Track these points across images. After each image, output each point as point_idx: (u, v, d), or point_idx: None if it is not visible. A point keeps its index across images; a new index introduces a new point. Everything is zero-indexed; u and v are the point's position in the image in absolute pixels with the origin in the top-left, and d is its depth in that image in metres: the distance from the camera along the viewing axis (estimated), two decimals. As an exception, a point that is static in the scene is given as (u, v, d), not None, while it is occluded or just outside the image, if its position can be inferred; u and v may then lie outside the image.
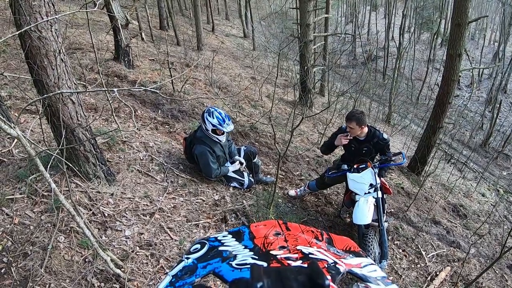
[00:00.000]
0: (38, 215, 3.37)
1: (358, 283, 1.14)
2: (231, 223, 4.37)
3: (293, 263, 1.12)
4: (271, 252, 1.26)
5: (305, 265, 1.07)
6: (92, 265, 3.08)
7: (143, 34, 12.13)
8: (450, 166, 11.95)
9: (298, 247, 1.29)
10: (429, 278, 5.27)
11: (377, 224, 4.50)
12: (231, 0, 28.85)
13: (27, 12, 2.92)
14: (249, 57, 14.95)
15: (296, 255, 1.20)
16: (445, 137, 15.13)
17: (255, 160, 5.40)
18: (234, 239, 1.45)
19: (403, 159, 4.83)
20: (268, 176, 5.82)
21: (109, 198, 3.92)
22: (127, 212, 3.87)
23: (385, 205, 5.01)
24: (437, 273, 5.48)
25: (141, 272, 3.24)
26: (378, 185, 4.51)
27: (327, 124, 8.21)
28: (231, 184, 5.15)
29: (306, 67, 9.79)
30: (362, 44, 31.76)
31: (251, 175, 5.37)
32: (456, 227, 7.25)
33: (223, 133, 4.80)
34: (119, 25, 7.82)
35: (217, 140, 4.80)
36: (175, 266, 1.28)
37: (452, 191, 8.89)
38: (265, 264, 1.13)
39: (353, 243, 1.55)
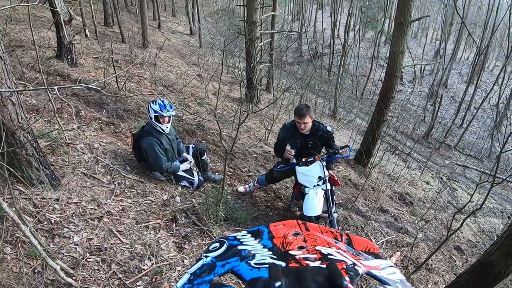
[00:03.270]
0: (-20, 226, 3.24)
1: (377, 285, 1.17)
2: (181, 222, 4.35)
3: (312, 264, 1.11)
4: (289, 252, 1.25)
5: (324, 266, 1.07)
6: (42, 276, 2.98)
7: (87, 30, 11.71)
8: (395, 157, 12.42)
9: (317, 248, 1.29)
10: (381, 263, 5.47)
11: (327, 215, 4.63)
12: (177, -4, 28.45)
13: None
14: (195, 55, 14.84)
15: (314, 256, 1.20)
16: (389, 130, 15.67)
17: (203, 158, 5.42)
18: (253, 238, 1.45)
19: (350, 151, 4.99)
20: (217, 173, 5.86)
21: (54, 204, 3.80)
22: (74, 218, 3.77)
23: (334, 196, 5.13)
24: (388, 258, 5.70)
25: (93, 279, 3.18)
26: (327, 178, 4.64)
27: (273, 120, 8.33)
28: (181, 183, 5.14)
29: (252, 64, 9.86)
30: (308, 42, 32.28)
31: (200, 174, 5.39)
32: (403, 214, 7.58)
33: (166, 122, 4.82)
34: (62, 20, 7.54)
35: (161, 130, 4.82)
36: (194, 264, 1.29)
37: (397, 181, 9.26)
38: (283, 264, 1.12)
39: (372, 244, 1.55)
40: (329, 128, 4.82)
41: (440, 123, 22.65)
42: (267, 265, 1.11)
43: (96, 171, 4.72)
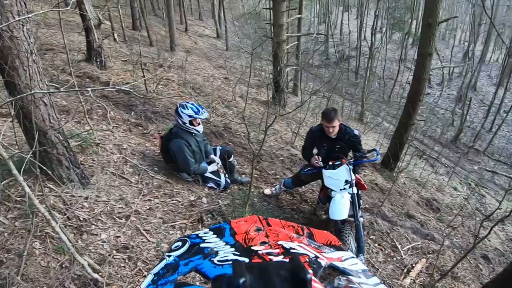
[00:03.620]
0: (12, 222, 3.30)
1: (340, 277, 1.15)
2: (207, 223, 4.37)
3: (275, 258, 1.12)
4: (252, 248, 1.25)
5: (287, 260, 1.04)
6: (69, 271, 3.03)
7: (115, 34, 11.98)
8: (422, 162, 12.20)
9: (279, 242, 1.29)
10: (405, 270, 5.37)
11: (353, 219, 4.55)
12: (204, 0, 28.71)
13: (-1, 11, 2.86)
14: (222, 58, 14.96)
15: (277, 250, 1.20)
16: (417, 134, 15.42)
17: (230, 160, 5.43)
18: (215, 235, 1.43)
19: (377, 155, 4.91)
20: (243, 175, 5.86)
21: (83, 202, 3.87)
22: (102, 216, 3.83)
23: (360, 201, 5.05)
24: (413, 265, 5.60)
25: (119, 275, 3.21)
26: (353, 181, 4.57)
27: (300, 123, 8.29)
28: (208, 185, 5.16)
29: (279, 67, 9.85)
30: (335, 44, 32.07)
31: (227, 176, 5.40)
32: (430, 220, 7.42)
33: (199, 124, 4.88)
34: (92, 25, 7.71)
35: (195, 131, 4.88)
36: (157, 264, 1.27)
37: (425, 186, 9.10)
38: (247, 260, 1.12)
39: (333, 237, 1.53)
40: (356, 132, 4.76)
41: (469, 127, 22.08)
42: (230, 262, 1.11)
43: (124, 171, 4.79)
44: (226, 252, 1.23)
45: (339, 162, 4.61)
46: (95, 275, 2.96)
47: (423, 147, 13.33)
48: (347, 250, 1.42)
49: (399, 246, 5.78)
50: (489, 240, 8.56)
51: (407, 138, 8.32)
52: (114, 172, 4.64)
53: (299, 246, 1.28)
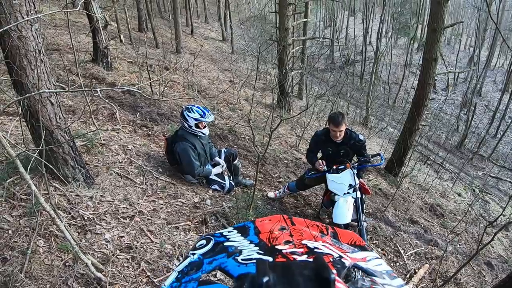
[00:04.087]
0: (16, 219, 3.32)
1: (364, 277, 1.16)
2: (211, 225, 4.38)
3: (299, 258, 1.10)
4: (276, 247, 1.24)
5: (311, 260, 1.06)
6: (73, 269, 3.04)
7: (121, 36, 12.03)
8: (426, 167, 12.20)
9: (303, 242, 1.28)
10: (408, 276, 5.36)
11: (356, 224, 4.55)
12: (210, 3, 28.79)
13: (8, 11, 2.88)
14: (227, 60, 14.99)
15: (301, 250, 1.19)
16: (421, 139, 15.40)
17: (235, 162, 5.44)
18: (240, 234, 1.43)
19: (381, 160, 4.91)
20: (247, 178, 5.86)
21: (88, 201, 3.88)
22: (106, 215, 3.84)
23: (364, 205, 5.07)
24: (416, 270, 5.58)
25: (122, 275, 3.22)
26: (357, 186, 4.57)
27: (305, 127, 8.30)
28: (212, 187, 5.17)
29: (284, 71, 9.88)
30: (340, 48, 32.16)
31: (231, 178, 5.40)
32: (434, 226, 7.40)
33: (205, 126, 4.89)
34: (99, 26, 7.76)
35: (201, 134, 4.88)
36: (181, 262, 1.27)
37: (428, 191, 9.07)
38: (270, 259, 1.10)
39: (358, 237, 1.53)
40: (361, 137, 4.76)
41: (474, 133, 22.13)
42: (254, 261, 1.10)
43: (129, 171, 4.80)
44: (250, 251, 1.22)
45: (343, 166, 4.61)
46: (98, 274, 2.97)
47: (427, 153, 13.31)
48: (372, 250, 1.41)
49: (402, 252, 5.77)
50: (493, 247, 8.52)
51: (412, 143, 8.32)
52: (119, 173, 4.65)
53: (323, 245, 1.28)
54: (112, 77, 7.99)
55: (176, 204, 4.54)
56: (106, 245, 3.50)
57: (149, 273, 3.34)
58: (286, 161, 6.87)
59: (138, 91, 2.74)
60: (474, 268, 6.75)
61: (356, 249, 1.38)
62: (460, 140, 20.32)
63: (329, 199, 4.84)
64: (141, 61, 9.48)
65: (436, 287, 5.42)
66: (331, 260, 1.13)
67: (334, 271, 0.95)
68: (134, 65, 9.47)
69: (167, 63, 10.66)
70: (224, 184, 5.21)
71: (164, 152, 5.32)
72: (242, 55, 16.95)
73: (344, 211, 4.39)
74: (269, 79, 13.79)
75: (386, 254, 5.58)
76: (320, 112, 10.95)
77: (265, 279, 0.81)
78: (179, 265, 1.25)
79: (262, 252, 1.19)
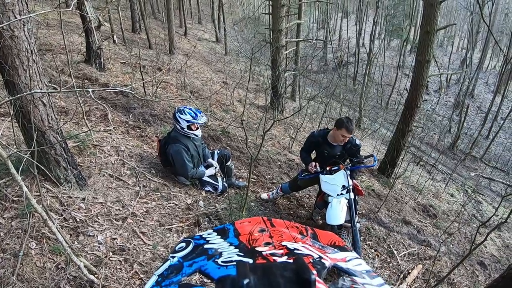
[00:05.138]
0: (8, 221, 3.28)
1: (344, 277, 1.14)
2: (204, 226, 4.36)
3: (279, 259, 1.12)
4: (256, 248, 1.25)
5: (291, 261, 1.07)
6: (65, 272, 3.02)
7: (115, 36, 11.98)
8: (419, 168, 12.28)
9: (283, 243, 1.29)
10: (401, 276, 5.39)
11: (349, 225, 4.55)
12: (204, 4, 28.76)
13: (0, 10, 2.86)
14: (221, 62, 14.98)
15: (281, 251, 1.20)
16: (414, 140, 15.51)
17: (228, 164, 5.43)
18: (219, 236, 1.44)
19: (374, 161, 4.93)
20: (240, 180, 5.85)
21: (80, 203, 3.85)
22: (99, 217, 3.82)
23: (357, 206, 5.09)
24: (409, 271, 5.62)
25: (115, 278, 3.19)
26: (350, 187, 4.58)
27: (298, 128, 8.30)
28: (205, 188, 5.16)
29: (277, 72, 9.88)
30: (333, 50, 32.24)
31: (224, 179, 5.40)
32: (426, 226, 7.45)
33: (197, 128, 4.88)
34: (92, 27, 7.71)
35: (194, 136, 4.86)
36: (161, 266, 1.27)
37: (421, 192, 9.14)
38: (251, 261, 1.12)
39: (337, 237, 1.55)
40: (358, 142, 4.78)
41: (466, 134, 22.37)
42: (234, 263, 1.12)
43: (122, 172, 4.77)
44: (230, 253, 1.23)
45: (336, 168, 4.62)
46: (91, 277, 2.94)
47: (420, 154, 13.40)
48: (351, 251, 1.43)
49: (395, 252, 5.81)
50: (485, 247, 8.59)
51: (404, 144, 8.37)
52: (112, 174, 4.63)
53: (303, 246, 1.29)
54: (105, 78, 7.95)
55: (169, 206, 4.52)
56: (99, 247, 3.47)
57: (142, 275, 3.33)
58: (279, 163, 6.88)
59: (131, 91, 2.72)
60: (467, 268, 6.80)
61: (335, 250, 1.40)
62: (452, 141, 20.49)
63: (323, 200, 4.84)
64: (134, 62, 9.44)
65: (430, 287, 5.45)
66: (311, 261, 1.15)
67: (315, 272, 0.97)
68: (127, 66, 9.43)
69: (160, 64, 10.62)
70: (217, 185, 5.20)
71: (157, 154, 5.30)
72: (235, 56, 16.94)
73: (337, 212, 4.39)
74: (262, 80, 13.79)
75: (380, 254, 5.61)
76: (313, 113, 10.96)
77: (246, 281, 0.81)
78: (158, 268, 1.25)
79: (242, 254, 1.21)
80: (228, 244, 1.35)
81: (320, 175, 4.65)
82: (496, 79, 26.22)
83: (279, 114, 9.98)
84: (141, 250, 3.62)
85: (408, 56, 31.45)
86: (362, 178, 7.99)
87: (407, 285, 5.26)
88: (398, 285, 5.16)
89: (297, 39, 13.37)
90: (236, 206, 4.79)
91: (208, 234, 1.47)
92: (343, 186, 4.55)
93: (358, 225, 5.01)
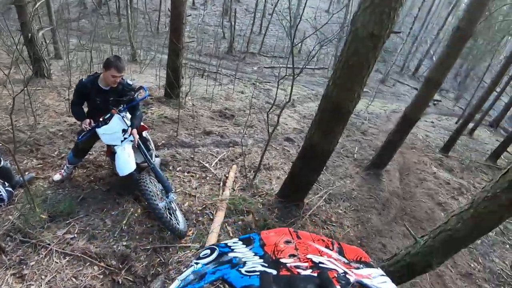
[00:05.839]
0: None
1: None
2: (8, 249, 3.65)
3: (303, 272, 1.13)
4: (281, 260, 1.26)
5: (315, 274, 1.09)
6: None
7: None
8: (205, 79, 12.64)
9: (308, 256, 1.29)
10: (221, 184, 5.52)
11: (146, 164, 4.44)
12: None
13: None
14: None
15: (306, 264, 1.21)
16: (193, 55, 15.82)
17: (1, 165, 4.49)
18: (244, 245, 1.45)
19: (145, 91, 4.65)
20: (26, 173, 4.97)
21: None
22: None
23: (150, 142, 4.98)
24: (226, 175, 5.82)
25: None
26: (130, 129, 4.35)
27: (69, 87, 7.54)
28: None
29: (30, 34, 8.51)
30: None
31: (7, 185, 4.51)
32: (228, 128, 7.78)
33: None
34: None
35: None
36: (185, 271, 1.30)
37: (213, 100, 9.54)
38: (274, 272, 1.14)
39: (364, 253, 1.54)
40: (130, 82, 4.48)
41: (240, 35, 24.18)
42: (258, 273, 1.13)
43: None
44: (254, 263, 1.25)
45: (109, 115, 4.27)
46: None
47: (202, 66, 13.76)
48: (377, 268, 1.41)
49: (207, 165, 5.98)
50: (287, 124, 9.41)
51: (181, 62, 8.48)
52: None
53: (329, 260, 1.29)
54: None
55: None
56: None
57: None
58: (61, 133, 6.13)
59: None
60: (277, 148, 7.37)
61: (361, 265, 1.40)
62: (229, 45, 21.91)
63: (111, 153, 4.54)
64: None
65: (250, 180, 5.71)
66: (336, 275, 1.14)
67: (338, 287, 1.00)
68: None
69: None
70: (1, 195, 4.34)
71: None
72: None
73: (125, 160, 4.16)
74: (14, 49, 11.94)
75: (194, 174, 5.67)
76: (83, 64, 10.01)
77: None
78: (182, 273, 1.28)
79: (266, 265, 1.22)
80: (253, 253, 1.35)
81: (97, 129, 4.24)
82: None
83: (46, 80, 8.87)
84: None
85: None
86: (151, 110, 7.84)
87: (229, 189, 5.44)
88: (222, 193, 5.28)
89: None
90: (32, 206, 4.14)
91: (234, 242, 1.50)
92: (123, 130, 4.27)
93: (157, 159, 4.99)
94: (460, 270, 5.59)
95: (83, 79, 4.23)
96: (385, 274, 1.37)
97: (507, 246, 6.73)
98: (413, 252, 3.30)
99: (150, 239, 4.20)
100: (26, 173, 4.93)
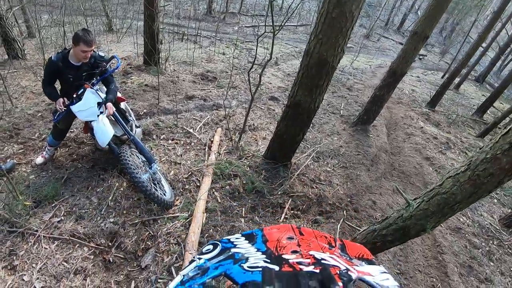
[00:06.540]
0: None
1: None
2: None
3: (305, 268, 1.14)
4: (283, 256, 1.27)
5: (317, 271, 1.08)
6: None
7: None
8: (185, 43, 12.40)
9: (310, 252, 1.31)
10: (207, 149, 5.48)
11: (126, 136, 4.37)
12: None
13: None
14: None
15: (308, 260, 1.22)
16: (171, 19, 15.75)
17: None
18: (247, 241, 1.47)
19: (118, 61, 4.51)
20: (8, 160, 4.82)
21: None
22: None
23: (129, 113, 4.92)
24: (211, 139, 5.75)
25: None
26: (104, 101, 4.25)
27: (44, 64, 7.29)
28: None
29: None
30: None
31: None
32: (211, 91, 7.69)
33: None
34: None
35: None
36: (187, 266, 1.30)
37: (194, 64, 9.45)
38: (277, 268, 1.15)
39: (366, 250, 1.56)
40: (102, 54, 4.29)
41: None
42: (260, 269, 1.14)
43: None
44: (256, 259, 1.26)
45: (81, 90, 4.15)
46: None
47: (181, 29, 13.39)
48: (379, 265, 1.42)
49: (191, 130, 5.93)
50: (271, 83, 9.31)
51: (158, 27, 8.22)
52: None
53: (331, 257, 1.30)
54: None
55: None
56: None
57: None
58: (39, 114, 5.97)
59: None
60: (262, 108, 7.29)
61: (363, 263, 1.42)
62: (207, 6, 21.30)
63: (89, 128, 4.39)
64: None
65: (235, 142, 5.66)
66: (338, 272, 1.17)
67: (340, 284, 0.98)
68: None
69: None
70: None
71: None
72: None
73: (103, 132, 4.08)
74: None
75: (178, 141, 5.61)
76: (58, 39, 9.71)
77: (270, 287, 0.83)
78: (184, 268, 1.29)
79: (269, 261, 1.23)
80: (256, 249, 1.36)
81: (71, 107, 4.10)
82: None
83: (21, 61, 8.60)
84: None
85: None
86: (131, 79, 7.69)
87: (215, 153, 5.40)
88: (208, 158, 5.23)
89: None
90: (11, 195, 4.04)
91: (236, 238, 1.51)
92: (98, 104, 4.15)
93: (138, 130, 4.89)
94: (450, 225, 5.66)
95: (53, 57, 4.04)
96: (387, 271, 1.37)
97: (495, 200, 6.83)
98: (406, 215, 3.16)
99: (138, 213, 4.17)
100: (8, 160, 4.80)
